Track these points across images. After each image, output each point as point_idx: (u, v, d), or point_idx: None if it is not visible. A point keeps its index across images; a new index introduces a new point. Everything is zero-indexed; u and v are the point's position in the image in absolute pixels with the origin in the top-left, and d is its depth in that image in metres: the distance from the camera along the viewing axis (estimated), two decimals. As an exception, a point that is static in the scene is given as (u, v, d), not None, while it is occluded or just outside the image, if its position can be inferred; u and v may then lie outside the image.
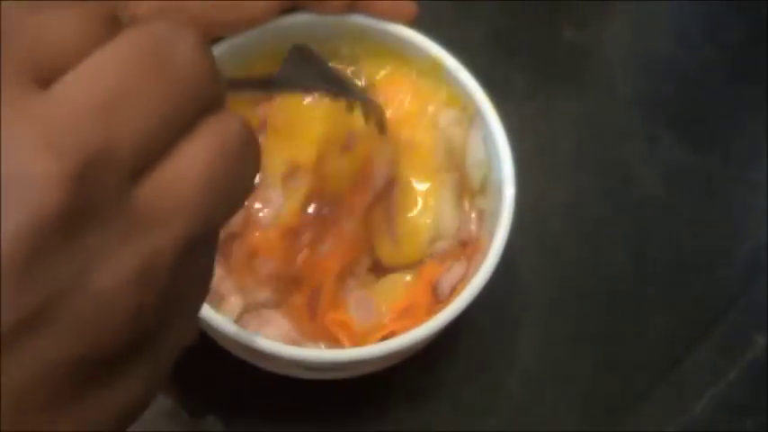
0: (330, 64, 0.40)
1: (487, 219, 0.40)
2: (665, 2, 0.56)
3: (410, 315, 0.39)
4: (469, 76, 0.41)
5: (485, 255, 0.38)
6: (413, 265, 0.40)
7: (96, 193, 0.17)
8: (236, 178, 0.19)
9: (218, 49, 0.39)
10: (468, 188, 0.42)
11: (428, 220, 0.41)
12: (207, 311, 0.36)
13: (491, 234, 0.38)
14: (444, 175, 0.41)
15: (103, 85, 0.17)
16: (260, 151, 0.20)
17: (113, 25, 0.18)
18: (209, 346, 0.39)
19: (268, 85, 0.39)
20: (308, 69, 0.39)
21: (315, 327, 0.39)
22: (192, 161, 0.18)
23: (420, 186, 0.41)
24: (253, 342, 0.36)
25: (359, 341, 0.38)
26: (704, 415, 0.45)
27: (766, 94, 0.53)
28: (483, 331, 0.46)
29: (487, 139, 0.40)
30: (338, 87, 0.40)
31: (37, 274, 0.16)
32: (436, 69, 0.41)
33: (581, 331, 0.47)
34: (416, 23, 0.41)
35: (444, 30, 0.41)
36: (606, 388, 0.45)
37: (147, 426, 0.23)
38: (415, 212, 0.41)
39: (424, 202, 0.41)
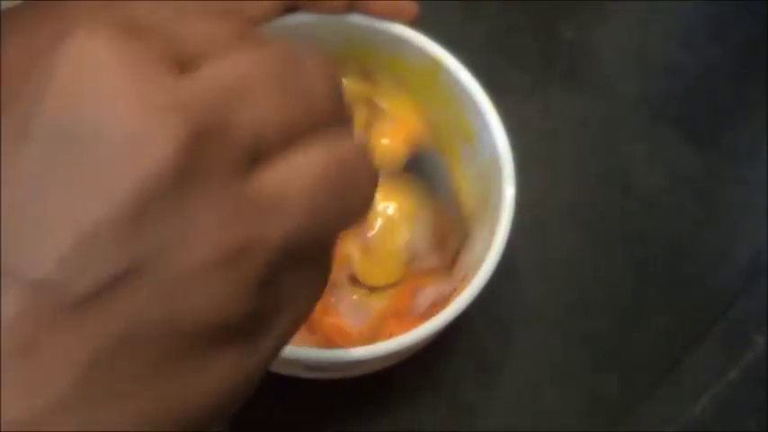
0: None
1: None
2: (666, 2, 0.56)
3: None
4: (470, 77, 0.40)
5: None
6: (395, 284, 0.41)
7: (209, 159, 0.17)
8: (348, 192, 0.20)
9: None
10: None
11: (402, 244, 0.41)
12: None
13: (491, 234, 0.38)
14: (423, 199, 0.41)
15: (233, 73, 0.18)
16: (377, 179, 0.21)
17: (249, 36, 0.20)
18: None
19: None
20: None
21: (315, 337, 0.39)
22: (307, 162, 0.19)
23: (395, 210, 0.41)
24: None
25: (356, 344, 0.38)
26: (704, 415, 0.45)
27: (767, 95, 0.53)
28: (482, 331, 0.46)
29: (488, 139, 0.40)
30: None
31: (143, 227, 0.17)
32: (436, 69, 0.41)
33: (581, 331, 0.47)
34: (417, 23, 0.40)
35: (445, 30, 0.41)
36: (606, 388, 0.45)
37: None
38: (390, 237, 0.41)
39: (399, 226, 0.41)
